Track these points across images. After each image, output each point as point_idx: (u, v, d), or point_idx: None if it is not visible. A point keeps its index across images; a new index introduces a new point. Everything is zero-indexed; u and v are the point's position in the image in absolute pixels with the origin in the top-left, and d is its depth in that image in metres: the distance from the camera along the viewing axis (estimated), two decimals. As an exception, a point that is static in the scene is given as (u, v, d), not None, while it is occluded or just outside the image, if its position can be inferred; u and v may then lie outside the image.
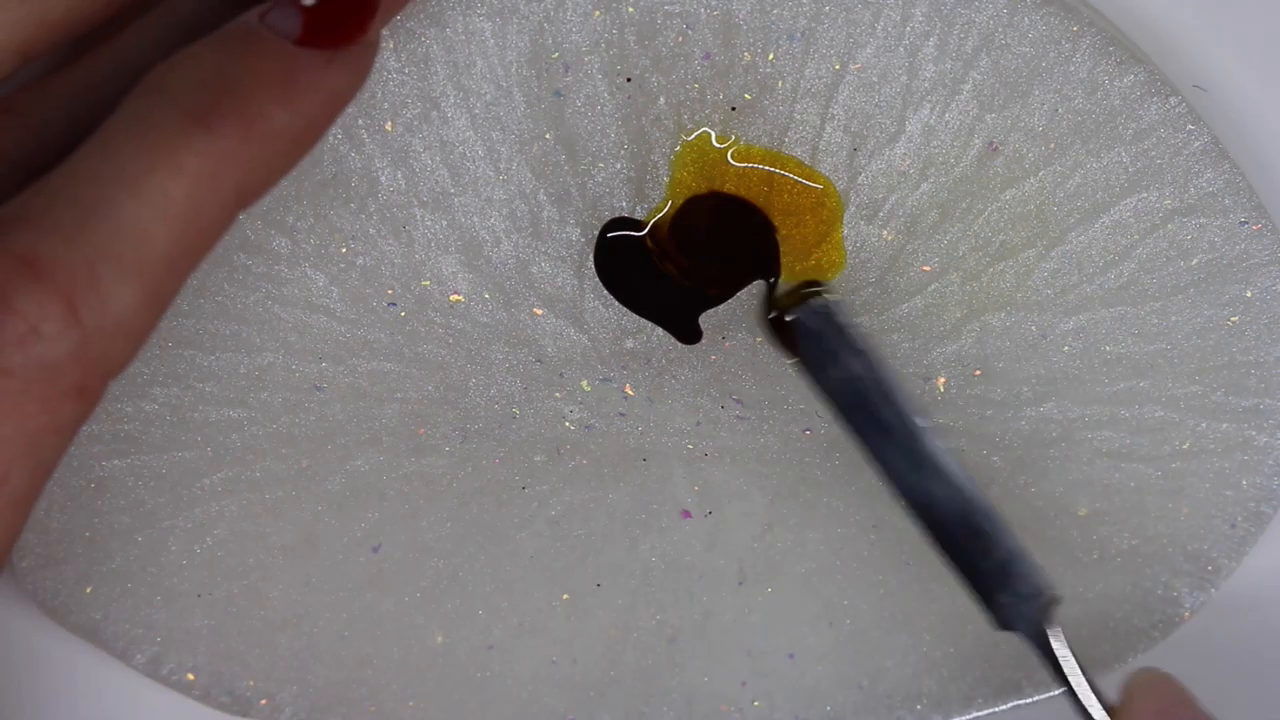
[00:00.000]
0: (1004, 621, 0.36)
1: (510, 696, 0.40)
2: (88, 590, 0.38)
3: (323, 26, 0.28)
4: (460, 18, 0.35)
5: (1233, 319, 0.37)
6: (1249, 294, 0.37)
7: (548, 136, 0.36)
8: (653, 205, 0.37)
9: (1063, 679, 0.36)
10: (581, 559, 0.39)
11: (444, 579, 0.39)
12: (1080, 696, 0.36)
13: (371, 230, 0.36)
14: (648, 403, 0.38)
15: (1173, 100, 0.36)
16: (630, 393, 0.38)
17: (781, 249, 0.37)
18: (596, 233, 0.37)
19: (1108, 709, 0.35)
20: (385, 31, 0.34)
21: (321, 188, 0.36)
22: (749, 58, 0.36)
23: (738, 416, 0.39)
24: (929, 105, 0.36)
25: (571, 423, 0.38)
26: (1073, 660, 0.36)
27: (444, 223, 0.36)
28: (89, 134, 0.27)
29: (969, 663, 0.40)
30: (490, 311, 0.37)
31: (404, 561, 0.39)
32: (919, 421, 0.36)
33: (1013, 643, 0.37)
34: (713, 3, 0.35)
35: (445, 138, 0.36)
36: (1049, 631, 0.36)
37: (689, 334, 0.38)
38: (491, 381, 0.38)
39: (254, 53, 0.28)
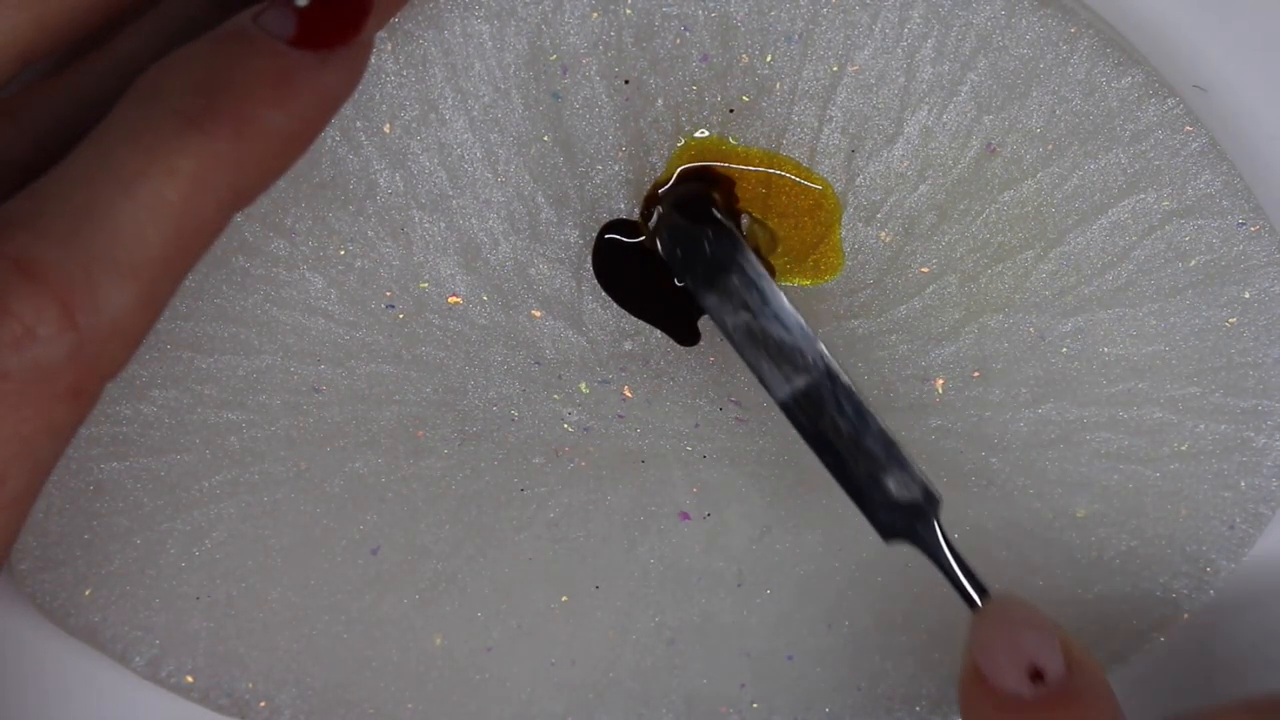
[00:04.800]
0: (888, 531, 0.36)
1: (509, 698, 0.40)
2: (87, 593, 0.38)
3: (316, 27, 0.28)
4: (458, 20, 0.35)
5: (1231, 320, 0.37)
6: (1247, 295, 0.37)
7: (546, 138, 0.36)
8: (650, 207, 0.37)
9: (952, 580, 0.35)
10: (580, 561, 0.39)
11: (442, 581, 0.39)
12: (970, 594, 0.35)
13: (370, 232, 0.36)
14: (646, 405, 0.38)
15: (1170, 101, 0.36)
16: (629, 395, 0.38)
17: (780, 250, 0.37)
18: (595, 235, 0.37)
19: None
20: (383, 34, 0.35)
21: (319, 190, 0.36)
22: (747, 59, 0.36)
23: (736, 418, 0.39)
24: (927, 107, 0.36)
25: (570, 425, 0.38)
26: (954, 554, 0.35)
27: (442, 225, 0.36)
28: (85, 137, 0.27)
29: (968, 664, 0.40)
30: (489, 314, 0.37)
31: (403, 563, 0.39)
32: (786, 308, 0.35)
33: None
34: (710, 4, 0.35)
35: (443, 140, 0.36)
36: (936, 529, 0.35)
37: (687, 336, 0.38)
38: (490, 384, 0.38)
39: (247, 54, 0.28)
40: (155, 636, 0.38)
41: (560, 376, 0.38)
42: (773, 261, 0.37)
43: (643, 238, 0.37)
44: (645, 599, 0.39)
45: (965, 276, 0.37)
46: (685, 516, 0.39)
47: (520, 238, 0.37)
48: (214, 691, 0.39)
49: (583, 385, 0.38)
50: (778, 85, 0.36)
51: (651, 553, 0.39)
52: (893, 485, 0.35)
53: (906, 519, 0.36)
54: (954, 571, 0.35)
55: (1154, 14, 0.38)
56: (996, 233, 0.37)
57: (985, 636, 0.33)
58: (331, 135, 0.35)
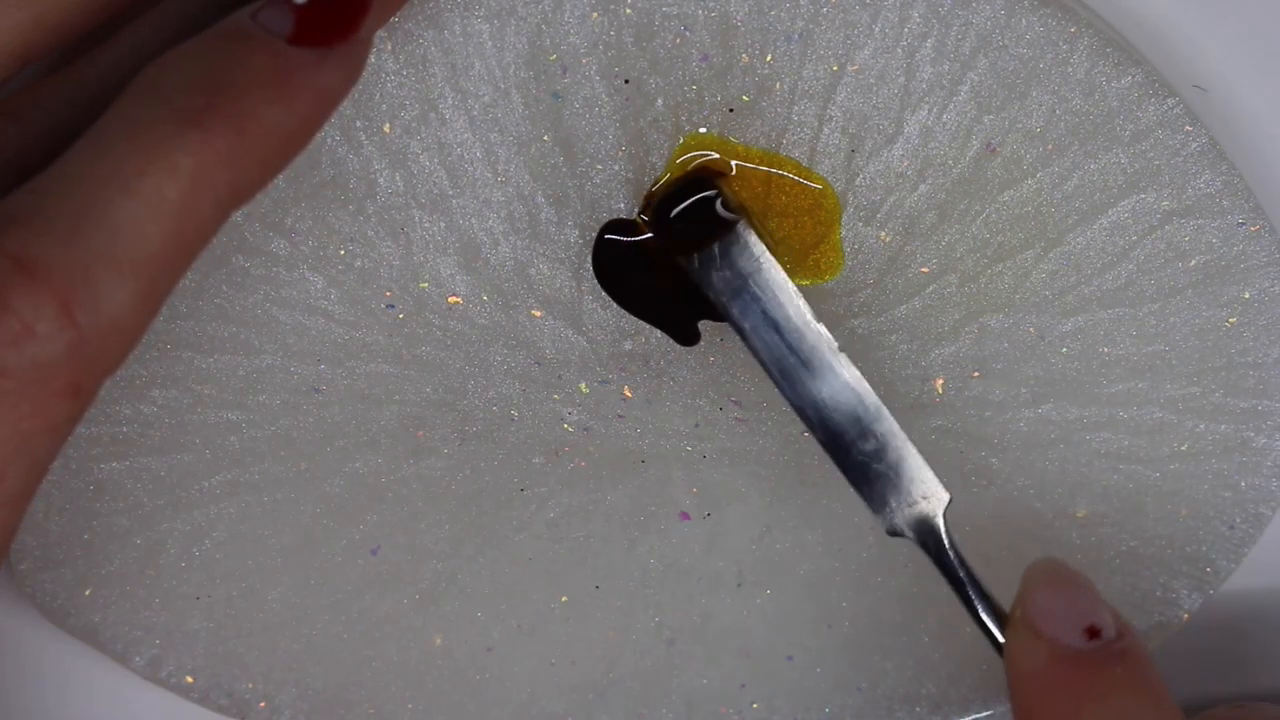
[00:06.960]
0: (893, 526, 0.36)
1: (509, 698, 0.40)
2: (87, 593, 0.38)
3: (315, 25, 0.29)
4: (458, 19, 0.35)
5: (1231, 320, 0.37)
6: (1247, 295, 0.37)
7: (546, 138, 0.36)
8: (650, 207, 0.37)
9: (952, 580, 0.36)
10: (580, 561, 0.39)
11: (442, 581, 0.39)
12: (970, 596, 0.36)
13: (370, 232, 0.36)
14: (646, 405, 0.38)
15: (1170, 101, 0.36)
16: (628, 395, 0.38)
17: (780, 250, 0.37)
18: (595, 234, 0.37)
19: (996, 611, 0.35)
20: (383, 33, 0.35)
21: (319, 189, 0.36)
22: (747, 59, 0.36)
23: (736, 418, 0.39)
24: (927, 107, 0.36)
25: (570, 425, 0.38)
26: (957, 556, 0.36)
27: (442, 224, 0.36)
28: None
29: (968, 665, 0.40)
30: (489, 313, 0.37)
31: (402, 563, 0.39)
32: (810, 319, 0.36)
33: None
34: (710, 4, 0.35)
35: (443, 139, 0.36)
36: (939, 530, 0.36)
37: (687, 336, 0.38)
38: (490, 384, 0.38)
39: (246, 51, 0.28)
40: (155, 636, 0.38)
41: (560, 376, 0.38)
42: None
43: (644, 237, 0.37)
44: (645, 599, 0.39)
45: (965, 276, 0.37)
46: (685, 516, 0.39)
47: (520, 238, 0.37)
48: (214, 691, 0.39)
49: (583, 385, 0.38)
50: (778, 85, 0.36)
51: (651, 553, 0.39)
52: (900, 481, 0.36)
53: (911, 516, 0.36)
54: (955, 571, 0.36)
55: (1154, 14, 0.38)
56: (996, 233, 0.37)
57: (1043, 599, 0.34)
58: (331, 135, 0.35)
